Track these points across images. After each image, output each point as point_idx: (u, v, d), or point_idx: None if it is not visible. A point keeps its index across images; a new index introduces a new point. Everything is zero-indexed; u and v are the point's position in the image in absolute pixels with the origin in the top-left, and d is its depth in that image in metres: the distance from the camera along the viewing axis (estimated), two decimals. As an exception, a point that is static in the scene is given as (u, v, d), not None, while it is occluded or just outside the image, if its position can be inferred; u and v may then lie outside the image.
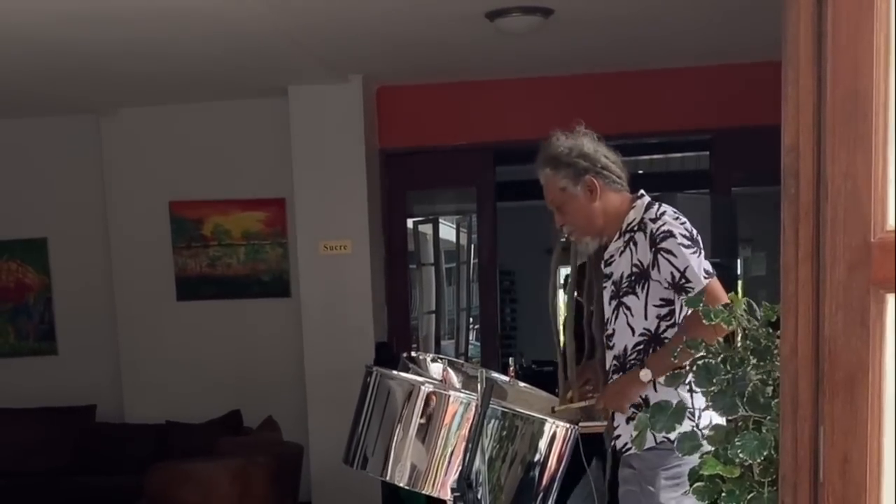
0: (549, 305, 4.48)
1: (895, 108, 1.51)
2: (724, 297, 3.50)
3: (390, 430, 3.18)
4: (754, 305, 2.29)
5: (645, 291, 3.75)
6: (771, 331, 2.19)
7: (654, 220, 3.72)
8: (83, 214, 8.65)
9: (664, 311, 3.75)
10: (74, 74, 7.02)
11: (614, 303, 3.84)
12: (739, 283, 9.28)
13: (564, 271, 5.63)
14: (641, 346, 3.78)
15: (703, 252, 3.67)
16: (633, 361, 3.79)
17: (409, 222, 8.91)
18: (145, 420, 8.32)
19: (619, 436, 3.85)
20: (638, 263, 3.75)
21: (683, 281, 3.64)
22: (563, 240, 4.05)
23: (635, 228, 3.78)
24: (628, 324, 3.81)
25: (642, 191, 3.90)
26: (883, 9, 1.50)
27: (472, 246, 10.44)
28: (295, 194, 7.83)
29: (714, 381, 2.16)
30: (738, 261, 8.33)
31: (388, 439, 3.18)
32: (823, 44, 1.57)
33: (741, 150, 7.62)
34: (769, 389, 2.11)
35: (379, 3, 5.64)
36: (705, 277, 3.62)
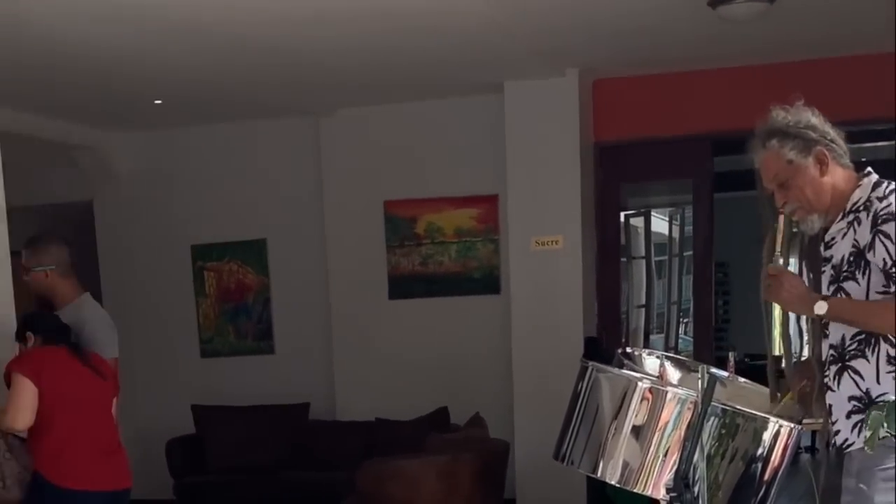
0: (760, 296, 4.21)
1: None
2: None
3: (604, 426, 3.08)
4: None
5: (866, 277, 3.49)
6: None
7: (880, 199, 3.46)
8: (301, 215, 8.83)
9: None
10: (299, 77, 7.24)
11: (832, 287, 3.59)
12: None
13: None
14: (862, 336, 3.51)
15: None
16: (852, 352, 3.53)
17: (621, 215, 8.76)
18: (356, 417, 8.44)
19: (838, 431, 3.60)
20: (856, 243, 3.50)
21: (895, 270, 3.40)
22: (775, 224, 3.80)
23: (860, 208, 3.52)
24: None
25: (870, 168, 3.62)
26: None
27: (684, 238, 10.21)
28: (508, 190, 7.81)
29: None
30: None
31: (601, 436, 3.08)
32: None
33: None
34: None
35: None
36: None
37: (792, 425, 3.13)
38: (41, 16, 5.33)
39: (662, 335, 10.70)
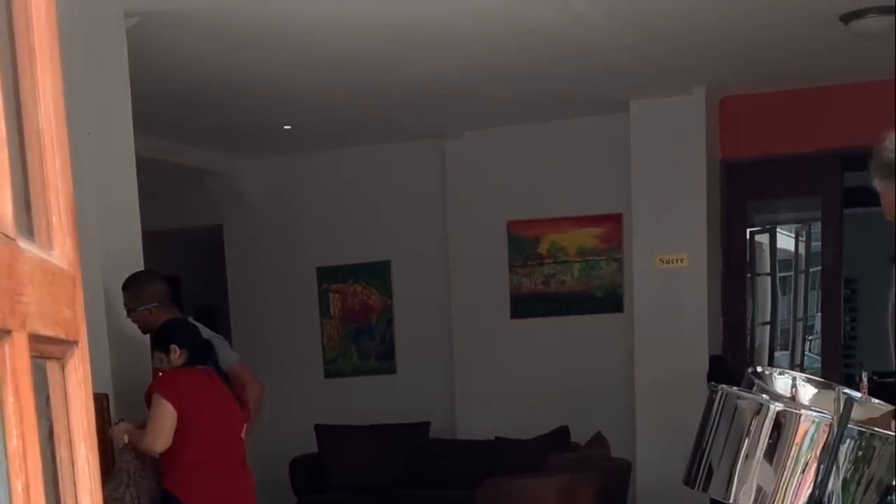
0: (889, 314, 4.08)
1: None
2: None
3: (735, 450, 3.05)
4: None
5: None
6: None
7: None
8: (425, 236, 8.92)
9: None
10: (420, 101, 7.35)
11: None
12: None
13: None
14: None
15: None
16: None
17: (747, 232, 8.67)
18: (476, 436, 8.47)
19: None
20: None
21: None
22: None
23: None
24: None
25: None
26: None
27: (810, 254, 10.03)
28: (632, 208, 7.81)
29: None
30: None
31: (733, 460, 3.06)
32: None
33: None
34: None
35: (726, 11, 5.58)
36: None
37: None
38: (167, 41, 5.48)
39: (787, 352, 10.50)
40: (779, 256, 10.12)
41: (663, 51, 6.35)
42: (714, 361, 7.57)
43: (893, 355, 3.97)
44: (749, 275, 8.87)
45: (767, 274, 9.91)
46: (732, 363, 7.61)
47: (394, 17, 5.30)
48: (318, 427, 8.84)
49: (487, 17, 5.37)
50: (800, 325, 10.56)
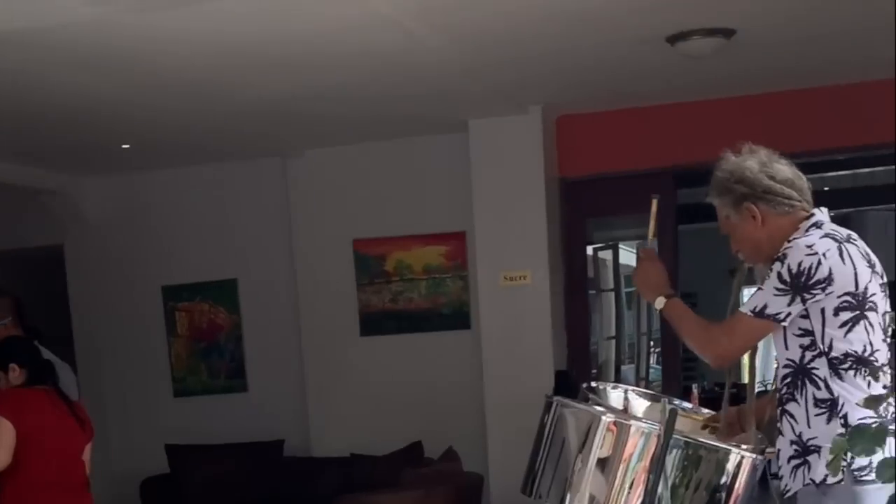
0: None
1: None
2: (736, 337, 3.47)
3: (570, 460, 3.13)
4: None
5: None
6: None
7: (789, 241, 3.47)
8: (272, 254, 8.87)
9: (805, 340, 3.45)
10: (262, 120, 7.28)
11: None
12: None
13: (749, 291, 5.42)
14: (789, 379, 3.50)
15: (795, 297, 3.38)
16: (785, 396, 3.52)
17: (589, 249, 8.84)
18: (331, 453, 8.45)
19: (781, 476, 3.55)
20: None
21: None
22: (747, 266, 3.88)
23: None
24: (777, 354, 3.58)
25: (815, 210, 3.59)
26: None
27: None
28: (475, 227, 7.87)
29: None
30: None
31: (568, 470, 3.13)
32: None
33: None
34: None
35: (558, 33, 5.65)
36: (751, 312, 3.43)
37: (754, 455, 3.18)
38: (11, 62, 5.37)
39: (633, 366, 10.75)
40: (623, 272, 10.36)
41: (498, 71, 6.42)
42: (559, 376, 7.69)
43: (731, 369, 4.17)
44: (593, 291, 9.05)
45: (611, 290, 10.13)
46: (578, 378, 7.74)
47: (232, 39, 5.25)
48: (168, 447, 8.71)
49: (322, 39, 5.36)
50: (644, 338, 10.81)
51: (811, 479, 3.40)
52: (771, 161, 3.63)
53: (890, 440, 2.15)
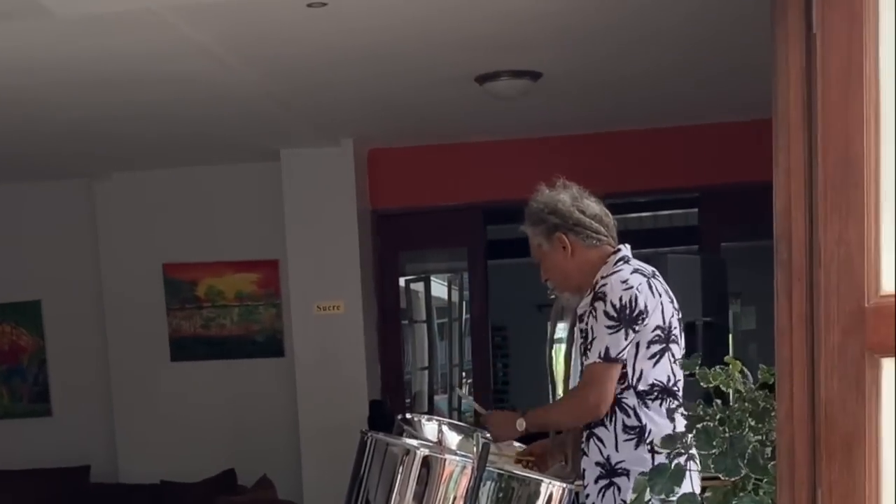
0: (546, 359, 4.47)
1: (886, 175, 1.53)
2: (602, 387, 3.58)
3: (387, 493, 3.17)
4: (746, 371, 2.31)
5: (583, 354, 3.72)
6: (769, 393, 2.20)
7: (603, 277, 3.67)
8: (77, 276, 8.63)
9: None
10: (67, 140, 7.08)
11: (583, 360, 3.79)
12: (730, 337, 9.29)
13: (562, 325, 5.61)
14: None
15: (627, 331, 3.58)
16: (597, 423, 3.73)
17: (402, 280, 8.92)
18: (140, 480, 8.27)
19: (588, 495, 3.76)
20: (587, 321, 3.71)
21: (589, 346, 3.63)
22: (553, 295, 4.05)
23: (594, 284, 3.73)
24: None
25: (620, 246, 3.83)
26: (872, 78, 1.53)
27: (464, 302, 10.47)
28: (288, 256, 7.85)
29: (714, 443, 2.17)
30: (729, 315, 8.36)
31: (385, 502, 3.17)
32: (813, 112, 1.59)
33: (728, 206, 7.70)
34: (768, 451, 2.12)
35: (369, 69, 5.68)
36: (599, 357, 3.59)
37: (564, 485, 3.29)
38: None
39: (446, 396, 10.88)
40: (436, 304, 10.49)
41: (310, 103, 6.44)
42: (374, 406, 7.73)
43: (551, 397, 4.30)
44: (406, 321, 9.13)
45: (424, 321, 10.24)
46: (392, 407, 7.82)
47: (35, 56, 5.10)
48: (-36, 473, 8.37)
49: (130, 60, 5.23)
50: (456, 370, 10.97)
51: (623, 500, 3.57)
52: (582, 196, 3.84)
53: (688, 476, 2.28)
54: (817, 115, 1.58)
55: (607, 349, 3.58)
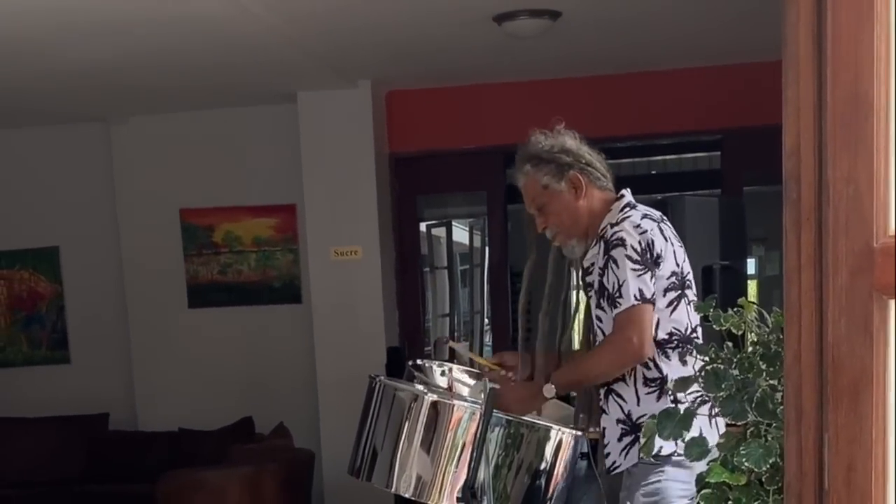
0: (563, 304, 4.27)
1: (896, 111, 1.47)
2: (643, 327, 3.42)
3: (395, 440, 3.15)
4: (765, 314, 2.24)
5: (610, 305, 3.55)
6: (781, 336, 2.14)
7: (612, 225, 3.56)
8: (94, 222, 8.64)
9: None
10: (83, 84, 7.04)
11: (593, 314, 3.68)
12: (753, 283, 9.22)
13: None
14: None
15: (653, 272, 3.48)
16: (616, 378, 3.60)
17: (423, 226, 8.86)
18: (158, 428, 8.31)
19: (608, 454, 3.64)
20: (600, 270, 3.58)
21: (617, 295, 3.47)
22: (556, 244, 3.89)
23: (603, 234, 3.61)
24: (603, 335, 3.64)
25: (623, 191, 3.72)
26: (883, 11, 1.46)
27: (486, 248, 10.46)
28: (305, 200, 7.80)
29: (723, 385, 2.12)
30: (751, 261, 8.28)
31: (393, 450, 3.15)
32: (823, 46, 1.53)
33: (751, 150, 7.56)
34: (779, 396, 2.06)
35: (386, 9, 5.63)
36: (636, 299, 3.43)
37: (574, 433, 3.26)
38: None
39: (468, 343, 10.87)
40: (457, 250, 10.45)
41: (326, 43, 6.36)
42: (392, 353, 7.70)
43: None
44: (428, 268, 9.09)
45: (445, 267, 10.21)
46: (410, 355, 7.78)
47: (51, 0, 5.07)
48: (-13, 419, 8.43)
49: (148, 2, 5.21)
50: (478, 316, 10.97)
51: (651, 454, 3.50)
52: (581, 142, 3.74)
53: (697, 420, 2.23)
54: (827, 48, 1.51)
55: (641, 291, 3.44)
